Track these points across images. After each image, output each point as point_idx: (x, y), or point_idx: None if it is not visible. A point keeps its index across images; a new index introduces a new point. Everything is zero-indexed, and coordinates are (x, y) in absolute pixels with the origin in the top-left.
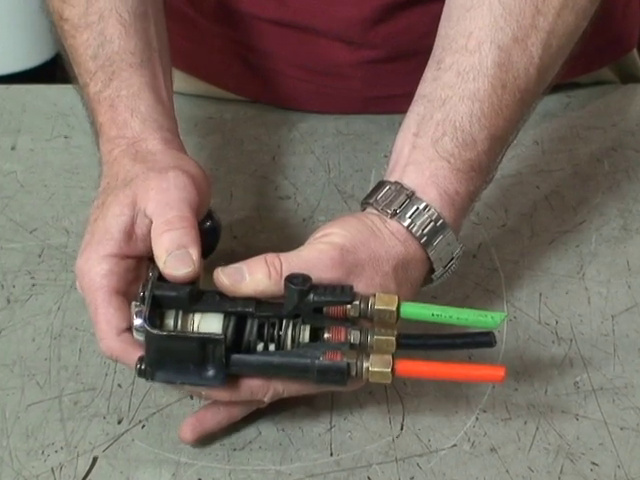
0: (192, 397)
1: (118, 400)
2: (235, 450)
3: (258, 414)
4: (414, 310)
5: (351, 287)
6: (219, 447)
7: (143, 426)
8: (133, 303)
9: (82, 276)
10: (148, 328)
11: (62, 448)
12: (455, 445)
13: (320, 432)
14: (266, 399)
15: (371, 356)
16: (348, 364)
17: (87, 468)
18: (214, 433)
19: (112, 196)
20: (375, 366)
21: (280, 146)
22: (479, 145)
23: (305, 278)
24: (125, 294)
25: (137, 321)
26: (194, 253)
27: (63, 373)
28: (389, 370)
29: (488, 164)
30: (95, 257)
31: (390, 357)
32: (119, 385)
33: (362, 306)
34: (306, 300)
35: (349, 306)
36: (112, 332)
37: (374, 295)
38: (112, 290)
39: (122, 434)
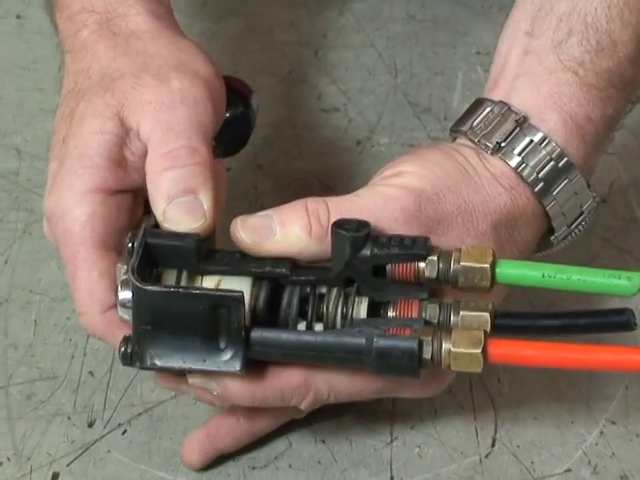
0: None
1: (89, 394)
2: (254, 469)
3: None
4: (517, 270)
5: (426, 238)
6: (232, 464)
7: (124, 432)
8: (118, 266)
9: (55, 223)
10: (136, 282)
11: (9, 459)
12: (569, 470)
13: (377, 446)
14: (304, 406)
15: (454, 333)
16: (420, 341)
17: None
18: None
19: (84, 103)
20: (460, 345)
21: (326, 36)
22: (621, 49)
23: (361, 224)
24: (118, 248)
25: (124, 294)
26: (206, 201)
27: (11, 354)
28: (479, 351)
29: (634, 77)
30: (70, 195)
31: (481, 334)
32: (90, 373)
33: (442, 265)
34: (362, 254)
35: (422, 264)
36: (95, 307)
37: (459, 249)
38: (98, 244)
39: (94, 442)
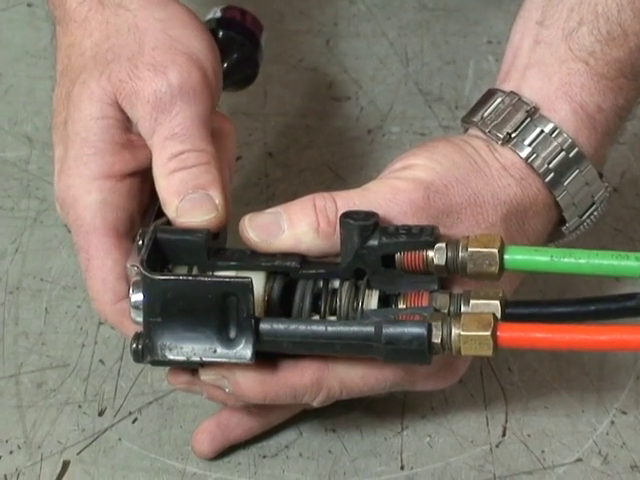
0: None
1: (100, 382)
2: (264, 458)
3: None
4: (524, 256)
5: (434, 226)
6: (242, 453)
7: (134, 420)
8: (129, 265)
9: (66, 210)
10: (145, 272)
11: (19, 448)
12: (580, 460)
13: (387, 435)
14: (316, 403)
15: (463, 317)
16: (429, 325)
17: (54, 477)
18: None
19: (79, 85)
20: (469, 328)
21: (337, 24)
22: (632, 39)
23: (369, 213)
24: (130, 234)
25: (136, 296)
26: (217, 197)
27: (22, 342)
28: (488, 334)
29: None
30: (79, 183)
31: (490, 316)
32: (101, 361)
33: (450, 252)
34: (370, 244)
35: (431, 252)
36: (107, 297)
37: (467, 237)
38: (110, 232)
39: (104, 430)
